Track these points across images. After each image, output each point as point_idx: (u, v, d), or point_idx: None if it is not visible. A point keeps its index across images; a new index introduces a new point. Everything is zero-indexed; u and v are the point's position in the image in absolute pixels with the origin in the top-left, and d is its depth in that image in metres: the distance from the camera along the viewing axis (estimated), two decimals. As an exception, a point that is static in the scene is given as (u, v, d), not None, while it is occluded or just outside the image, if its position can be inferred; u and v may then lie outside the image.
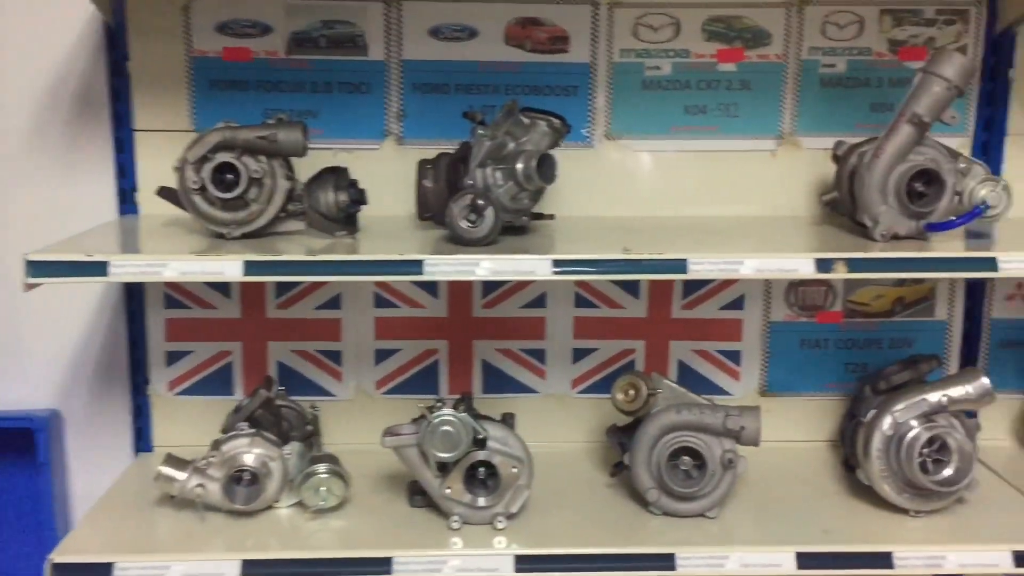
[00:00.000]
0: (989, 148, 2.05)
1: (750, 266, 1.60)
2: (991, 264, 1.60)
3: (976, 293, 2.11)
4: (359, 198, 1.80)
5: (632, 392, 1.83)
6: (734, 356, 2.14)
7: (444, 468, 1.75)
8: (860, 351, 2.14)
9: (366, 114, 2.02)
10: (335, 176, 1.80)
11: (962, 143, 2.05)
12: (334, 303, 2.10)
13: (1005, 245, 1.74)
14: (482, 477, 1.76)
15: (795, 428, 2.15)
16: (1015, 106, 2.04)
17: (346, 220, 1.80)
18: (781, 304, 2.12)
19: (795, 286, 2.12)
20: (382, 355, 2.12)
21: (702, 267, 1.59)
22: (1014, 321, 2.12)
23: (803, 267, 1.60)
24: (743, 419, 1.78)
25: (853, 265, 1.61)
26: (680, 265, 1.60)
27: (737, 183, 2.07)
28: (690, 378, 2.13)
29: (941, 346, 2.14)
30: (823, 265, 1.60)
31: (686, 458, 1.80)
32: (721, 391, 2.15)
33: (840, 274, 1.61)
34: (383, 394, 2.13)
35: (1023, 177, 2.03)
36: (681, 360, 2.14)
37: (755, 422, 1.78)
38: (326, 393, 2.12)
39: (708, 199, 2.07)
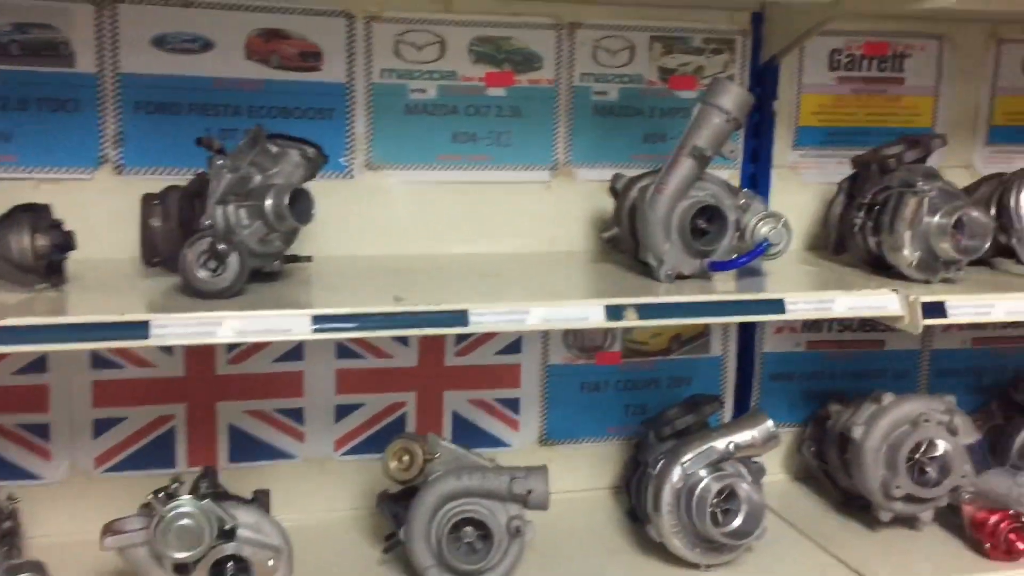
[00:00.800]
0: (757, 180, 2.03)
1: (537, 316, 1.43)
2: (779, 306, 1.53)
3: (748, 327, 2.08)
4: (64, 242, 1.46)
5: (407, 458, 1.61)
6: (513, 404, 1.98)
7: (184, 569, 1.44)
8: (639, 391, 2.04)
9: (74, 137, 1.67)
10: (32, 215, 1.45)
11: (731, 175, 2.01)
12: (38, 365, 1.72)
13: (783, 285, 1.69)
14: (231, 574, 1.47)
15: (577, 477, 2.02)
16: (779, 137, 2.03)
17: (48, 269, 1.45)
18: (559, 346, 1.98)
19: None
20: (102, 426, 1.76)
21: (485, 319, 1.41)
22: (783, 354, 2.11)
23: (593, 315, 1.46)
24: (530, 481, 1.61)
25: (644, 312, 1.48)
26: (460, 317, 1.40)
27: (511, 217, 1.91)
28: (466, 431, 1.94)
29: (717, 382, 2.09)
30: (613, 313, 1.46)
31: (469, 529, 1.60)
32: (499, 442, 1.98)
33: (631, 322, 1.48)
34: (104, 472, 1.77)
35: (788, 208, 2.02)
36: (456, 411, 1.94)
37: (542, 484, 1.62)
38: (30, 476, 1.73)
39: (480, 234, 1.90)
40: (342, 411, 1.88)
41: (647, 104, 1.96)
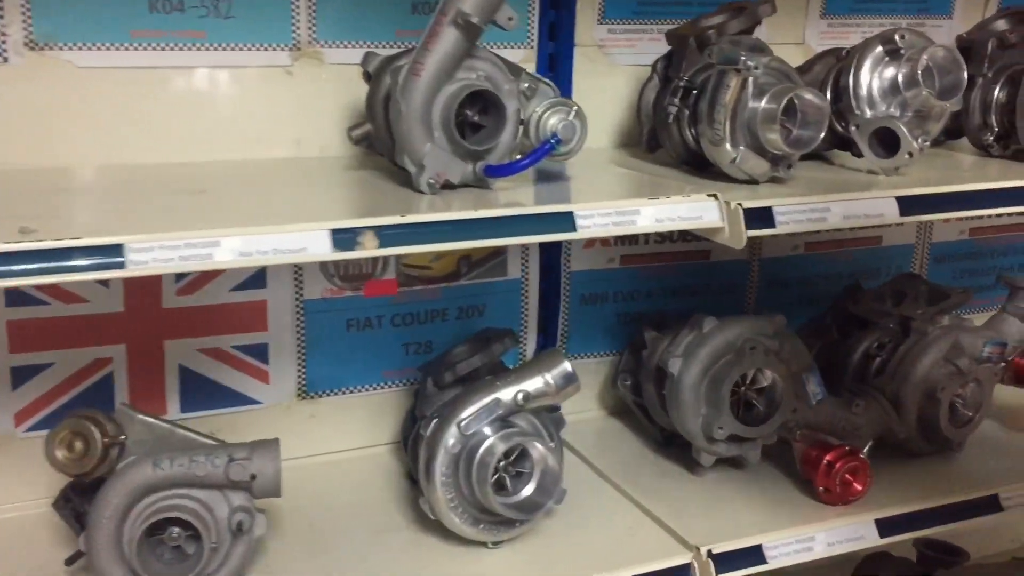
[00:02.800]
0: (557, 63, 1.65)
1: (229, 249, 1.02)
2: (567, 222, 1.18)
3: (552, 244, 1.73)
4: None
5: (79, 445, 1.18)
6: (259, 351, 1.57)
7: None
8: (422, 326, 1.68)
9: None
10: None
11: (524, 57, 1.63)
12: None
13: (582, 193, 1.34)
14: None
15: (348, 434, 1.65)
16: (582, 9, 1.65)
17: None
18: (317, 276, 1.58)
19: (333, 251, 1.58)
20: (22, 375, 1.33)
21: (148, 257, 0.99)
22: (594, 272, 1.78)
23: (314, 245, 1.06)
24: (254, 462, 1.23)
25: (388, 236, 1.10)
26: (112, 253, 0.98)
27: (236, 114, 1.47)
28: (200, 389, 1.53)
29: (517, 309, 1.74)
30: (343, 240, 1.07)
31: (176, 530, 1.21)
32: (246, 400, 1.58)
33: (368, 250, 1.09)
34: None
35: (596, 96, 1.68)
36: (184, 365, 1.53)
37: (271, 463, 1.23)
38: None
39: (193, 137, 1.45)
40: (21, 375, 1.42)
41: (415, -37, 1.54)
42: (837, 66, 1.59)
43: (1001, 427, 1.81)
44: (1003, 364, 1.67)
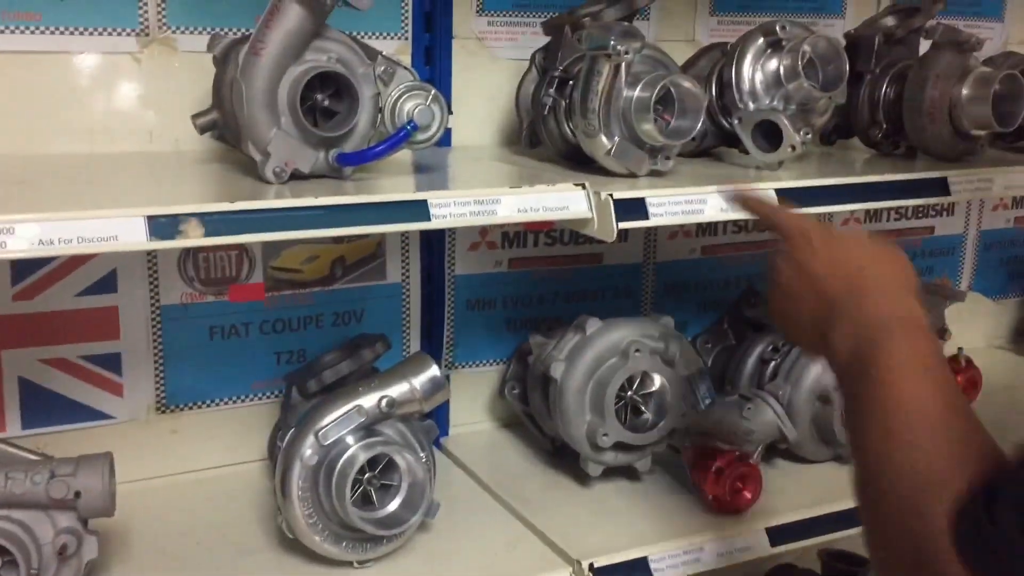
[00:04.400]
0: (434, 56, 1.57)
1: (26, 237, 0.91)
2: (420, 211, 1.10)
3: (435, 244, 1.64)
4: None
5: None
6: (111, 362, 1.45)
7: None
8: (294, 334, 1.57)
9: None
10: None
11: (400, 48, 1.55)
12: None
13: (444, 184, 1.26)
14: None
15: (213, 451, 1.54)
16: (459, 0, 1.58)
17: None
18: (175, 279, 1.47)
19: (192, 253, 1.47)
20: None
21: (-73, 245, 0.88)
22: (481, 276, 1.70)
23: (127, 233, 0.96)
24: (79, 478, 1.11)
25: (214, 225, 1.00)
26: None
27: (79, 104, 1.36)
28: (44, 403, 1.41)
29: (398, 315, 1.65)
30: (161, 228, 0.97)
31: (-10, 556, 1.09)
32: (100, 415, 1.46)
33: (193, 239, 0.99)
34: None
35: (477, 91, 1.61)
36: (24, 378, 1.40)
37: (99, 479, 1.12)
38: None
39: (33, 129, 1.34)
40: None
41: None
42: (722, 60, 1.54)
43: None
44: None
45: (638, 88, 1.30)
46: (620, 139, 1.32)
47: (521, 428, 1.71)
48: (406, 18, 1.54)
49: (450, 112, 1.40)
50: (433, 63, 1.57)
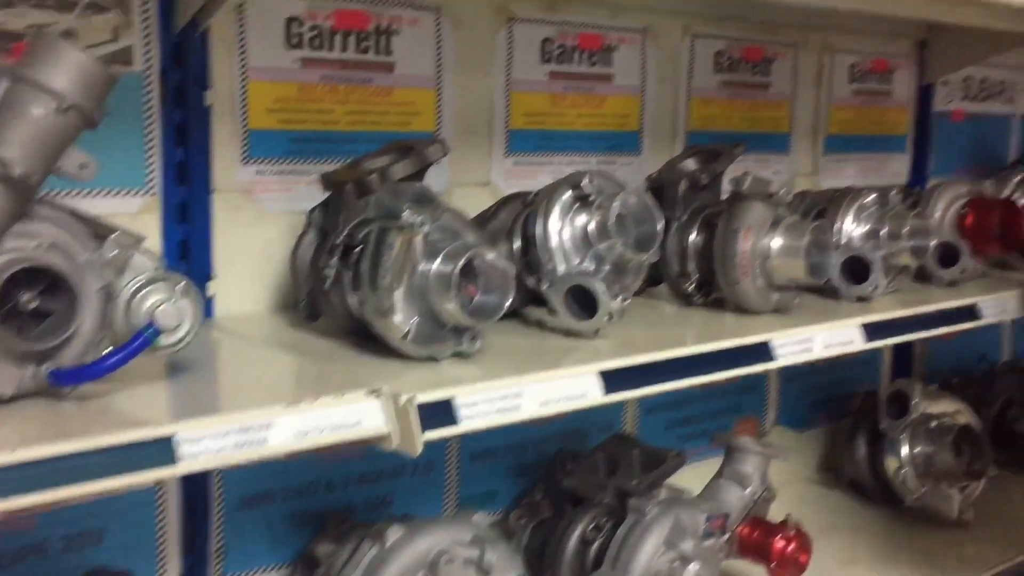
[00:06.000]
0: (190, 213, 1.32)
1: None
2: (164, 454, 0.83)
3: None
4: None
5: None
6: None
7: None
8: (13, 570, 1.22)
9: None
10: None
11: (145, 206, 1.28)
12: None
13: (202, 399, 0.99)
14: None
15: None
16: (221, 146, 1.34)
17: None
18: None
19: None
20: None
21: None
22: (255, 466, 1.42)
23: None
24: None
25: None
26: None
27: None
28: None
29: (152, 529, 1.33)
30: None
31: None
32: None
33: None
34: None
35: (243, 253, 1.36)
36: None
37: None
38: None
39: None
40: None
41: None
42: (524, 212, 1.38)
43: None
44: (726, 537, 1.50)
45: (437, 261, 1.11)
46: (418, 319, 1.11)
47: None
48: (153, 170, 1.28)
49: (211, 278, 1.16)
50: (189, 221, 1.31)
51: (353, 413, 0.94)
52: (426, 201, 1.10)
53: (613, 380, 1.14)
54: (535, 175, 1.68)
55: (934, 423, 1.98)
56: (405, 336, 1.10)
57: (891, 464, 1.98)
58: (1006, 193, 1.95)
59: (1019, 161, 2.52)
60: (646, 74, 1.81)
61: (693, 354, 1.25)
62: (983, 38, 2.14)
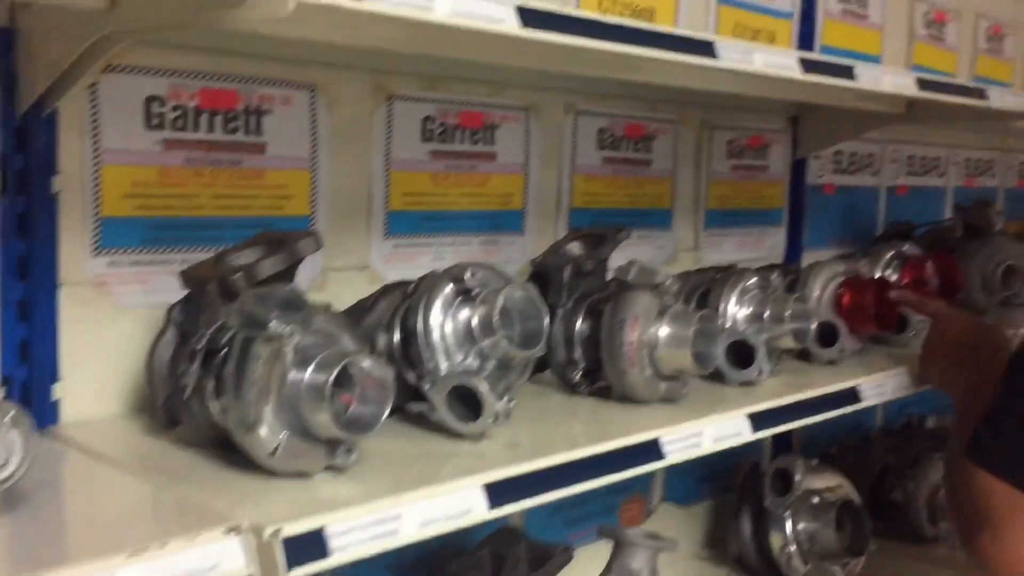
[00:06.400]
0: (32, 311, 1.19)
1: None
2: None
3: None
4: None
5: None
6: None
7: None
8: None
9: None
10: None
11: (-22, 305, 1.15)
12: None
13: (19, 547, 0.88)
14: None
15: None
16: (69, 236, 1.22)
17: None
18: None
19: None
20: None
21: None
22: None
23: None
24: None
25: None
26: None
27: None
28: None
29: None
30: None
31: None
32: None
33: None
34: None
35: (96, 354, 1.25)
36: None
37: None
38: None
39: None
40: None
41: None
42: (404, 303, 1.31)
43: None
44: (617, 638, 1.44)
45: (309, 370, 1.02)
46: (287, 434, 1.02)
47: None
48: (-20, 264, 1.16)
49: (56, 381, 1.04)
50: (30, 319, 1.19)
51: (210, 555, 0.84)
52: (295, 307, 1.02)
53: (499, 493, 1.08)
54: (416, 258, 1.61)
55: (816, 499, 1.99)
56: (273, 452, 1.01)
57: (776, 542, 1.98)
58: (879, 271, 1.99)
59: (886, 234, 2.62)
60: (529, 152, 1.78)
61: (583, 457, 1.20)
62: (851, 116, 2.21)
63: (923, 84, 1.71)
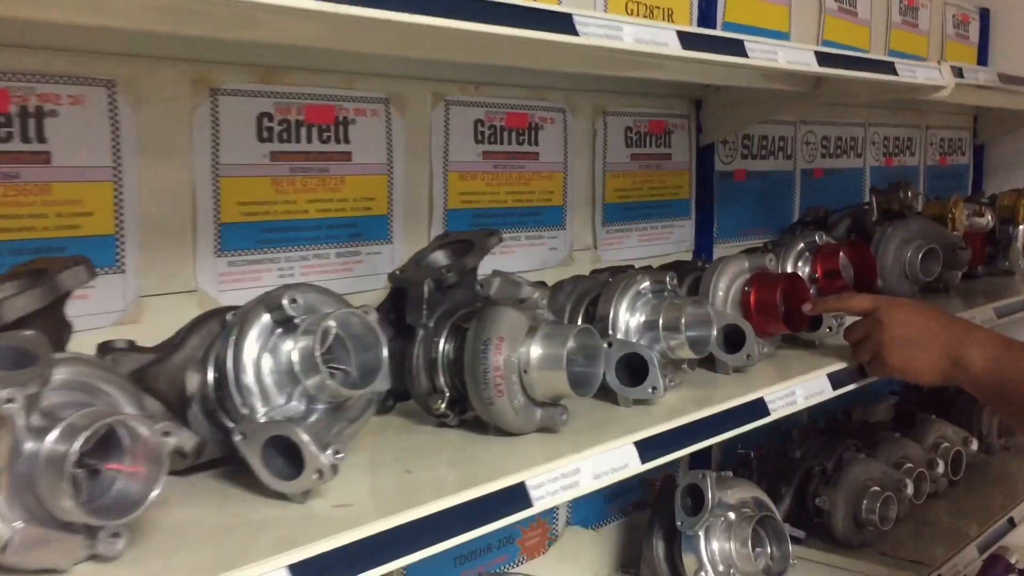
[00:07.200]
0: None
1: None
2: None
3: None
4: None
5: None
6: None
7: None
8: None
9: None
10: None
11: None
12: None
13: None
14: None
15: None
16: None
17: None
18: None
19: None
20: None
21: None
22: None
23: None
24: None
25: None
26: None
27: None
28: None
29: None
30: None
31: None
32: None
33: None
34: None
35: None
36: None
37: None
38: None
39: None
40: None
41: None
42: (219, 338, 1.10)
43: None
44: None
45: (51, 437, 0.81)
46: (25, 524, 0.81)
47: None
48: None
49: None
50: None
51: None
52: (28, 361, 0.80)
53: (317, 572, 0.87)
54: (257, 276, 1.40)
55: (732, 514, 1.82)
56: (3, 549, 0.79)
57: (690, 565, 1.80)
58: (789, 265, 1.83)
59: (802, 220, 2.47)
60: (392, 149, 1.57)
61: (428, 516, 1.00)
62: (757, 97, 2.04)
63: (824, 59, 1.54)
